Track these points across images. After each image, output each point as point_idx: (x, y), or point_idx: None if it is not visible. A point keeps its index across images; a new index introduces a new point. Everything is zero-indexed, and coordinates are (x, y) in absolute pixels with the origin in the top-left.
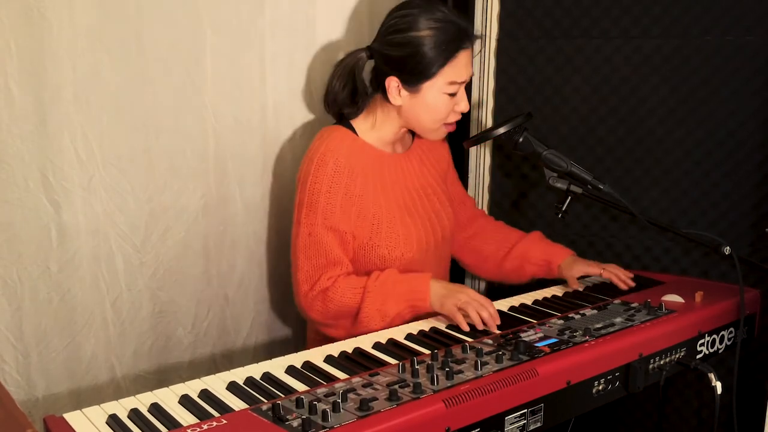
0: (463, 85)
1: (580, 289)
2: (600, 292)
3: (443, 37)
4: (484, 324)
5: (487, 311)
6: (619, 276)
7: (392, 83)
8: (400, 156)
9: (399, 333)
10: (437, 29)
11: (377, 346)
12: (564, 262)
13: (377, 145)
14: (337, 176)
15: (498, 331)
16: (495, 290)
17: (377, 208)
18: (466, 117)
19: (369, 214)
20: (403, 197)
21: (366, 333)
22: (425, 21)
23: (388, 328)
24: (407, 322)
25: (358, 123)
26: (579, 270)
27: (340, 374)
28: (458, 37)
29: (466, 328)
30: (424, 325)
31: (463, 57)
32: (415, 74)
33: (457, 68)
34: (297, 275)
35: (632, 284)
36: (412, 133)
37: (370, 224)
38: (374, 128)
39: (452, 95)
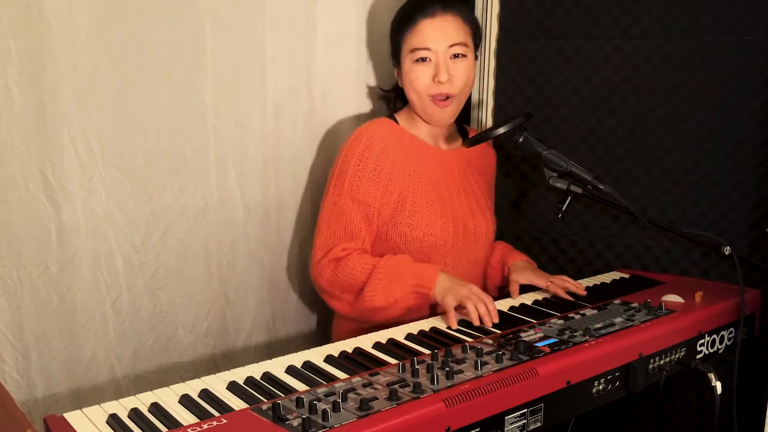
0: (435, 54)
1: (514, 299)
2: (600, 293)
3: (403, 10)
4: (481, 321)
5: (486, 307)
6: (567, 288)
7: (395, 71)
8: (444, 151)
9: (399, 333)
10: (402, 7)
11: (377, 345)
12: (514, 264)
13: (419, 136)
14: (368, 151)
15: (496, 330)
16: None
17: (404, 187)
18: (466, 117)
19: (395, 191)
20: (437, 188)
21: (367, 310)
22: (400, 8)
23: (390, 308)
24: (412, 312)
25: (399, 115)
26: (525, 277)
27: (340, 374)
28: (416, 8)
29: (454, 325)
30: (424, 325)
31: (423, 25)
32: (394, 52)
33: (417, 35)
34: (315, 241)
35: (583, 293)
36: (462, 135)
37: (395, 201)
38: (411, 119)
39: (422, 61)
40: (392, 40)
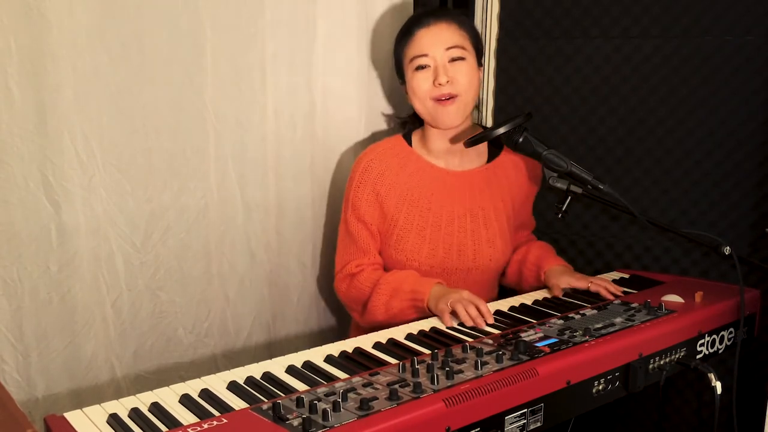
0: (434, 60)
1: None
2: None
3: (402, 27)
4: (475, 323)
5: (476, 309)
6: (608, 288)
7: (403, 89)
8: (455, 173)
9: (399, 333)
10: (402, 26)
11: (377, 345)
12: (551, 269)
13: (428, 157)
14: (366, 174)
15: (496, 330)
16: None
17: (397, 211)
18: None
19: (389, 214)
20: (436, 212)
21: (373, 323)
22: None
23: (392, 321)
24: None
25: (414, 134)
26: (565, 281)
27: (341, 374)
28: (412, 21)
29: (450, 324)
30: (425, 325)
31: (419, 35)
32: (398, 69)
33: (414, 45)
34: (335, 259)
35: (620, 293)
36: (490, 155)
37: (388, 224)
38: (424, 139)
39: (421, 68)
40: (395, 56)
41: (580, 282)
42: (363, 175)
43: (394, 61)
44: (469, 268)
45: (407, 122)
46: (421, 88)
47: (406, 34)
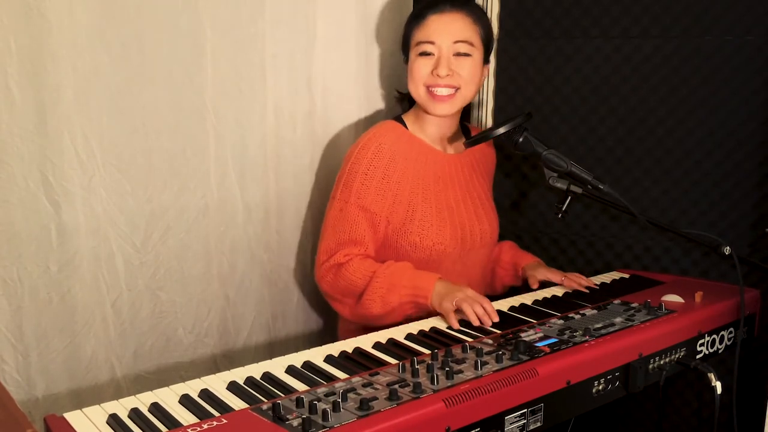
0: (438, 49)
1: (535, 288)
2: (600, 293)
3: (416, 8)
4: (480, 321)
5: (482, 308)
6: (581, 283)
7: (407, 69)
8: (451, 156)
9: (399, 333)
10: (415, 5)
11: (377, 345)
12: (528, 264)
13: (426, 140)
14: (377, 159)
15: (496, 330)
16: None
17: (414, 196)
18: (466, 117)
19: (405, 200)
20: (445, 194)
21: (366, 316)
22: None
23: (388, 315)
24: (412, 319)
25: (407, 117)
26: (542, 274)
27: (340, 374)
28: (427, 5)
29: (456, 325)
30: (424, 325)
31: (430, 20)
32: (404, 48)
33: (423, 30)
34: (320, 245)
35: (595, 287)
36: (465, 136)
37: (404, 210)
38: (419, 121)
39: (425, 55)
40: (404, 34)
41: (554, 276)
42: (374, 161)
43: (402, 38)
44: (479, 246)
45: (404, 98)
46: (419, 72)
47: (418, 16)
